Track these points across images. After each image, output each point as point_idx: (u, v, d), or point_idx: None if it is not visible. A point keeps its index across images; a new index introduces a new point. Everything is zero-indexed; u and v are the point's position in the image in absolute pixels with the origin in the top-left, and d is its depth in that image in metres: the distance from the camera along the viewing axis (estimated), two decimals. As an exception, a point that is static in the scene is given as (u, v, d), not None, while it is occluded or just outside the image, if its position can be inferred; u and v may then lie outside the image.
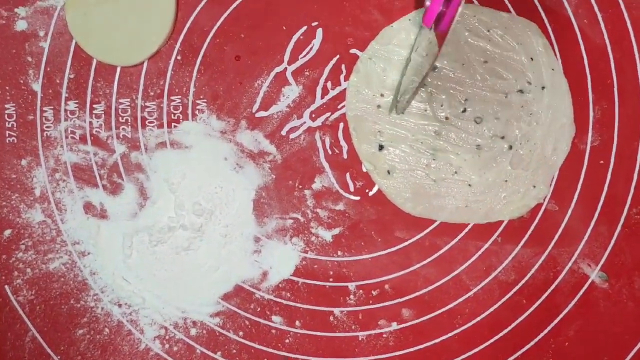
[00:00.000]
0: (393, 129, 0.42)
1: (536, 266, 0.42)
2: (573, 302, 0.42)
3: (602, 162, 0.42)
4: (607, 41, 0.42)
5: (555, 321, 0.42)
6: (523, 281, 0.42)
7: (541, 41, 0.41)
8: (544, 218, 0.42)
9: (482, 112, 0.41)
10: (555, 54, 0.42)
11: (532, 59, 0.41)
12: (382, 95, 0.42)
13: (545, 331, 0.42)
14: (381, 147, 0.42)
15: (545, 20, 0.42)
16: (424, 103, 0.41)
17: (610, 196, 0.42)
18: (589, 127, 0.42)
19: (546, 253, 0.42)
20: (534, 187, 0.42)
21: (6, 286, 0.42)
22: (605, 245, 0.42)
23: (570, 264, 0.42)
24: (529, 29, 0.41)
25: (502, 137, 0.41)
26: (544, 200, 0.42)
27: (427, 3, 0.36)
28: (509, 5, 0.42)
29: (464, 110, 0.41)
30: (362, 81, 0.42)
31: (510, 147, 0.41)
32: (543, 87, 0.41)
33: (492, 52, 0.41)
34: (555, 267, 0.42)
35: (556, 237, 0.42)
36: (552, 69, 0.41)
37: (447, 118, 0.41)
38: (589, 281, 0.42)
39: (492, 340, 0.42)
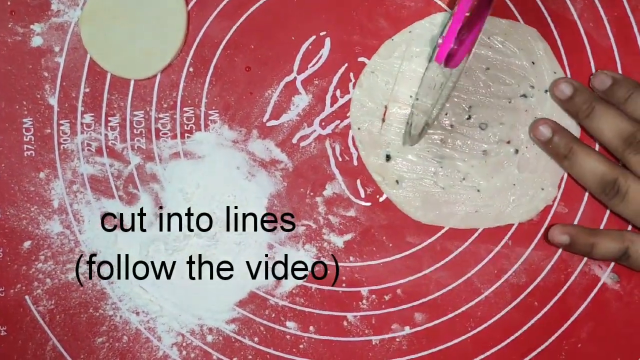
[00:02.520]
0: (399, 139, 0.42)
1: (547, 268, 0.42)
2: (585, 304, 0.42)
3: (611, 163, 0.42)
4: (613, 44, 0.42)
5: (568, 323, 0.42)
6: (534, 283, 0.42)
7: (542, 45, 0.42)
8: (553, 220, 0.43)
9: (486, 118, 0.42)
10: (562, 58, 0.42)
11: (533, 63, 0.42)
12: (386, 107, 0.42)
13: (558, 333, 0.42)
14: (388, 158, 0.42)
15: (551, 25, 0.43)
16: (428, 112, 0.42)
17: (619, 198, 0.42)
18: (597, 129, 0.42)
19: (557, 255, 0.42)
20: (543, 189, 0.42)
21: (26, 296, 0.43)
22: (616, 246, 0.42)
23: (581, 266, 0.42)
24: (529, 34, 0.42)
25: (508, 142, 0.42)
26: (554, 202, 0.43)
27: (440, 41, 0.37)
28: (515, 12, 0.43)
29: (469, 117, 0.42)
30: (365, 95, 0.43)
31: (517, 151, 0.42)
32: (546, 91, 0.42)
33: (493, 59, 0.42)
34: (567, 269, 0.42)
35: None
36: (554, 72, 0.42)
37: (452, 126, 0.42)
38: (601, 283, 0.42)
39: (504, 343, 0.42)
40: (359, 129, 0.43)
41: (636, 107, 0.40)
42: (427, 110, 0.40)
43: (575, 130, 0.42)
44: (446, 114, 0.42)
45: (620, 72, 0.42)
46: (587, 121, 0.41)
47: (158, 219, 0.43)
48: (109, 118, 0.44)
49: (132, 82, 0.44)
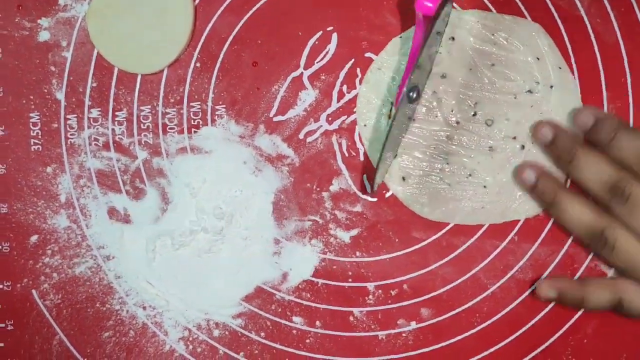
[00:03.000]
0: (405, 136, 0.42)
1: (553, 264, 0.42)
2: (591, 299, 0.42)
3: (617, 159, 0.42)
4: (620, 40, 0.42)
5: (574, 319, 0.42)
6: (541, 279, 0.42)
7: (546, 41, 0.42)
8: (560, 216, 0.43)
9: (492, 115, 0.42)
10: (569, 54, 0.42)
11: (538, 58, 0.42)
12: (392, 103, 0.42)
13: (564, 329, 0.42)
14: (395, 155, 0.42)
15: (558, 21, 0.43)
16: (435, 109, 0.42)
17: (626, 193, 0.42)
18: (604, 125, 0.42)
19: (563, 251, 0.42)
20: (550, 185, 0.42)
21: (33, 291, 0.44)
22: (622, 242, 0.42)
23: (587, 262, 0.42)
24: (533, 30, 0.42)
25: (514, 138, 0.42)
26: (560, 198, 0.42)
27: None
28: (522, 7, 0.43)
29: (475, 114, 0.42)
30: (372, 91, 0.43)
31: (523, 147, 0.42)
32: (551, 86, 0.42)
33: (498, 55, 0.42)
34: (573, 264, 0.42)
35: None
36: (559, 68, 0.42)
37: (458, 122, 0.42)
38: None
39: (510, 338, 0.42)
40: (365, 125, 0.43)
41: (621, 149, 0.38)
42: (390, 159, 0.41)
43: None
44: (452, 111, 0.42)
45: (627, 69, 0.42)
46: (570, 168, 0.40)
47: (165, 213, 0.43)
48: (116, 113, 0.44)
49: (139, 77, 0.44)
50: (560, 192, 0.40)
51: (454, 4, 0.43)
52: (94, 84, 0.44)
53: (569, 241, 0.42)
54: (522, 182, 0.41)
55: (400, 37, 0.43)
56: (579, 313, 0.42)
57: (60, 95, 0.44)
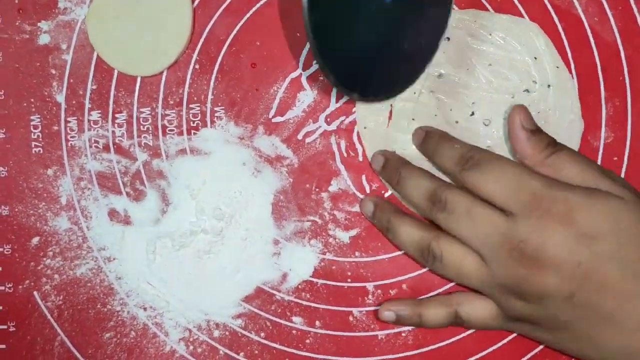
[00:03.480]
0: (405, 136, 0.42)
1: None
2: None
3: (615, 158, 0.42)
4: (618, 38, 0.42)
5: (573, 317, 0.42)
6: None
7: (543, 40, 0.42)
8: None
9: (490, 114, 0.42)
10: (567, 53, 0.42)
11: (535, 58, 0.42)
12: (391, 105, 0.43)
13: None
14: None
15: (556, 20, 0.43)
16: (433, 109, 0.42)
17: (625, 192, 0.42)
18: (602, 124, 0.42)
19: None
20: (548, 184, 0.42)
21: (35, 292, 0.44)
22: (621, 241, 0.42)
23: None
24: (530, 29, 0.42)
25: (513, 137, 0.42)
26: (559, 197, 0.43)
27: None
28: (519, 6, 0.43)
29: (473, 114, 0.42)
30: None
31: (521, 146, 0.42)
32: (549, 85, 0.42)
33: (495, 55, 0.42)
34: (572, 263, 0.42)
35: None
36: (557, 67, 0.42)
37: (456, 122, 0.42)
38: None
39: (510, 337, 0.42)
40: (365, 127, 0.43)
41: (441, 159, 0.40)
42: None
43: (578, 123, 0.42)
44: (450, 110, 0.42)
45: (625, 67, 0.42)
46: (398, 189, 0.41)
47: (165, 215, 0.44)
48: (116, 115, 0.44)
49: (138, 79, 0.44)
50: (392, 216, 0.41)
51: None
52: (94, 87, 0.44)
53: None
54: (364, 213, 0.43)
55: (398, 38, 0.43)
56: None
57: (61, 98, 0.44)
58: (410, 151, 0.42)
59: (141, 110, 0.44)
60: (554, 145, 0.38)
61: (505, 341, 0.42)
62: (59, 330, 0.44)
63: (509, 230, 0.36)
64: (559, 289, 0.35)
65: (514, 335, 0.42)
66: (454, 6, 0.43)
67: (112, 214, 0.44)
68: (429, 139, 0.41)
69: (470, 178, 0.38)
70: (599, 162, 0.42)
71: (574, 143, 0.42)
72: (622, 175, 0.42)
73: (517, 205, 0.36)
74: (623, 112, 0.42)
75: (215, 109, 0.44)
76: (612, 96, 0.42)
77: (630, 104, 0.42)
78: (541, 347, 0.42)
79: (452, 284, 0.42)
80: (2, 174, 0.44)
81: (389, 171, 0.42)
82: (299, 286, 0.43)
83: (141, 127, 0.44)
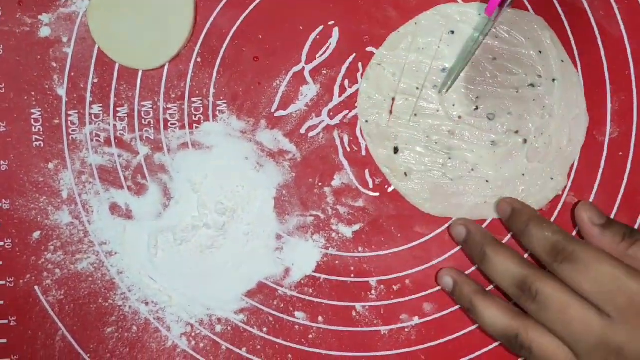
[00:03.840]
0: (407, 131, 0.42)
1: (556, 258, 0.42)
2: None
3: (621, 153, 0.42)
4: (624, 33, 0.42)
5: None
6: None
7: (548, 34, 0.42)
8: (563, 210, 0.42)
9: (494, 109, 0.42)
10: (572, 48, 0.42)
11: (540, 52, 0.41)
12: (393, 99, 0.42)
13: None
14: (396, 150, 0.42)
15: (562, 14, 0.42)
16: (436, 104, 0.42)
17: (630, 187, 0.42)
18: (608, 119, 0.42)
19: (566, 245, 0.42)
20: (552, 179, 0.42)
21: (36, 287, 0.44)
22: (626, 236, 0.42)
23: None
24: (536, 22, 0.42)
25: (517, 132, 0.42)
26: (563, 192, 0.42)
27: None
28: (525, 1, 0.42)
29: (477, 108, 0.42)
30: (372, 87, 0.42)
31: (525, 141, 0.42)
32: (554, 80, 0.41)
33: (500, 49, 0.42)
34: (576, 259, 0.42)
35: (576, 229, 0.42)
36: (562, 61, 0.41)
37: (460, 117, 0.42)
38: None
39: (513, 333, 0.42)
40: (366, 121, 0.43)
41: (531, 241, 0.38)
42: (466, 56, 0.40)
43: (584, 118, 0.42)
44: (454, 105, 0.42)
45: (631, 61, 0.42)
46: (483, 268, 0.40)
47: (167, 209, 0.43)
48: (118, 109, 0.44)
49: (140, 73, 0.44)
50: (475, 297, 0.40)
51: (456, -2, 0.42)
52: (95, 80, 0.44)
53: (574, 232, 0.42)
54: (442, 287, 0.42)
55: (399, 32, 0.42)
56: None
57: (62, 91, 0.44)
58: (412, 146, 0.42)
59: (143, 103, 0.44)
60: (630, 236, 0.37)
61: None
62: (60, 325, 0.44)
63: (606, 333, 0.35)
64: None
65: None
66: (459, 0, 0.42)
67: (114, 208, 0.44)
68: (517, 218, 0.40)
69: (564, 273, 0.36)
70: (603, 158, 0.42)
71: (580, 137, 0.42)
72: (627, 172, 0.42)
73: (614, 308, 0.35)
74: (629, 106, 0.42)
75: (218, 102, 0.43)
76: (617, 90, 0.42)
77: (636, 99, 0.42)
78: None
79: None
80: (3, 167, 0.44)
81: (472, 247, 0.40)
82: (302, 281, 0.43)
83: (143, 120, 0.44)
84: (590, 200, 0.42)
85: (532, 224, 0.39)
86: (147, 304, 0.43)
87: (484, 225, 0.42)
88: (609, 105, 0.42)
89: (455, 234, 0.42)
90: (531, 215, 0.39)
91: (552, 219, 0.42)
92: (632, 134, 0.42)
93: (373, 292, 0.43)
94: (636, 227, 0.42)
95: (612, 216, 0.42)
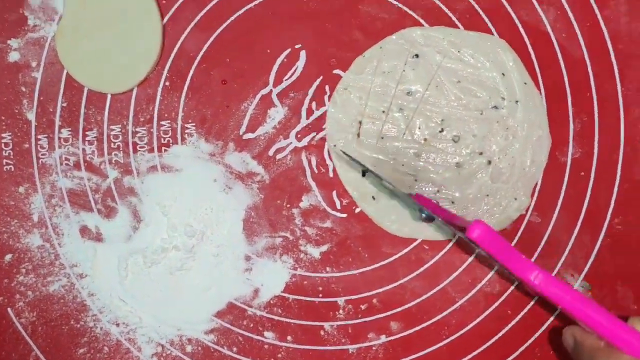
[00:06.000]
0: (374, 154, 0.43)
1: (520, 277, 0.43)
2: (557, 312, 0.43)
3: (582, 173, 0.43)
4: (585, 54, 0.43)
5: (540, 330, 0.43)
6: (508, 292, 0.43)
7: (511, 56, 0.42)
8: (527, 230, 0.43)
9: (459, 131, 0.42)
10: (535, 69, 0.43)
11: (503, 74, 0.42)
12: (360, 122, 0.43)
13: (531, 340, 0.43)
14: (364, 174, 0.42)
15: (524, 36, 0.43)
16: (403, 128, 0.42)
17: (592, 207, 0.43)
18: (570, 139, 0.43)
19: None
20: (516, 199, 0.43)
21: (9, 309, 0.44)
22: (588, 255, 0.43)
23: (553, 274, 0.43)
24: (498, 45, 0.42)
25: (481, 153, 0.42)
26: (527, 212, 0.43)
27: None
28: (488, 22, 0.43)
29: (442, 130, 0.42)
30: (339, 112, 0.43)
31: (489, 162, 0.42)
32: (517, 101, 0.42)
33: (464, 72, 0.42)
34: (539, 277, 0.43)
35: (539, 248, 0.43)
36: (525, 83, 0.42)
37: (425, 139, 0.42)
38: (573, 291, 0.43)
39: (479, 350, 0.43)
40: (334, 145, 0.43)
41: None
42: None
43: (546, 139, 0.42)
44: (419, 128, 0.42)
45: (592, 83, 0.43)
46: None
47: (136, 232, 0.44)
48: (87, 132, 0.44)
49: (108, 97, 0.44)
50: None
51: (422, 21, 0.43)
52: (64, 104, 0.44)
53: (537, 253, 0.43)
54: (565, 345, 0.40)
55: (364, 56, 0.43)
56: (546, 324, 0.43)
57: (31, 116, 0.44)
58: (380, 169, 0.43)
59: (111, 127, 0.44)
60: None
61: (474, 354, 0.43)
62: (33, 346, 0.44)
63: None
64: None
65: (483, 348, 0.43)
66: (424, 23, 0.43)
67: (84, 231, 0.44)
68: (580, 349, 0.38)
69: None
70: (566, 178, 0.43)
71: (542, 158, 0.43)
72: (589, 191, 0.43)
73: None
74: (590, 128, 0.43)
75: (186, 125, 0.44)
76: (579, 112, 0.43)
77: (597, 120, 0.43)
78: (509, 359, 0.43)
79: (424, 297, 0.43)
80: (-27, 192, 0.44)
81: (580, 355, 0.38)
82: (271, 301, 0.44)
83: (112, 144, 0.44)
84: (553, 219, 0.43)
85: (598, 355, 0.37)
86: (118, 325, 0.44)
87: (449, 245, 0.43)
88: (571, 126, 0.43)
89: (565, 344, 0.40)
90: (592, 346, 0.37)
91: (516, 239, 0.43)
92: (594, 154, 0.43)
93: (341, 311, 0.43)
94: (597, 245, 0.43)
95: (575, 234, 0.43)
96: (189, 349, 0.44)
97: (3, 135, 0.44)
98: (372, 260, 0.43)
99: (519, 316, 0.43)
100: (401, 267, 0.43)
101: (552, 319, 0.43)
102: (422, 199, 0.41)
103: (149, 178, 0.44)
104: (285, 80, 0.44)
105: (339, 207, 0.44)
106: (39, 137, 0.44)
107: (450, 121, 0.42)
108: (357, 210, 0.44)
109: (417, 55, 0.42)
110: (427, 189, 0.43)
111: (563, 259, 0.43)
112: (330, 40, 0.43)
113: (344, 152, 0.41)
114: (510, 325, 0.43)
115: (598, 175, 0.43)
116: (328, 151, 0.44)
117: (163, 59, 0.44)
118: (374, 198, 0.43)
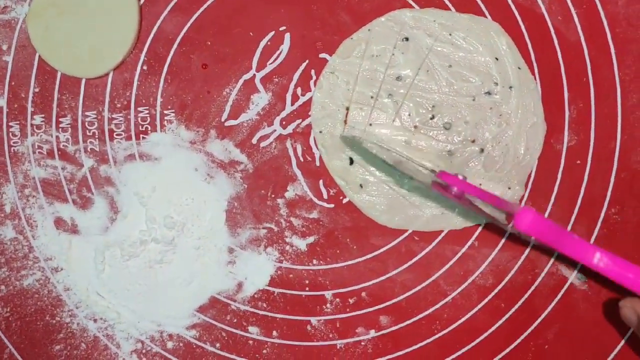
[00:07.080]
0: (368, 143, 0.41)
1: (514, 269, 0.42)
2: (552, 305, 0.41)
3: (579, 162, 0.41)
4: (581, 38, 0.41)
5: (535, 324, 0.42)
6: (501, 285, 0.42)
7: (505, 40, 0.40)
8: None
9: (450, 118, 0.41)
10: (529, 53, 0.41)
11: (497, 59, 0.40)
12: (347, 108, 0.41)
13: (525, 334, 0.42)
14: (352, 161, 0.41)
15: (518, 19, 0.41)
16: (392, 114, 0.41)
17: (587, 196, 0.41)
18: (565, 126, 0.41)
19: (524, 256, 0.42)
20: (509, 188, 0.41)
21: (-20, 304, 0.42)
22: (584, 246, 0.41)
23: (548, 267, 0.41)
24: (492, 28, 0.40)
25: (473, 141, 0.41)
26: (521, 201, 0.42)
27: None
28: (481, 5, 0.41)
29: (432, 117, 0.41)
30: (326, 96, 0.41)
31: (482, 150, 0.41)
32: (510, 87, 0.40)
33: (455, 56, 0.40)
34: (534, 269, 0.42)
35: (534, 239, 0.41)
36: (519, 68, 0.40)
37: (415, 127, 0.41)
38: (568, 283, 0.42)
39: (471, 345, 0.42)
40: (320, 132, 0.41)
41: None
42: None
43: (541, 126, 0.41)
44: (409, 115, 0.41)
45: (589, 68, 0.41)
46: None
47: (114, 223, 0.42)
48: (60, 119, 0.42)
49: (83, 81, 0.42)
50: None
51: (412, 3, 0.41)
52: (37, 89, 0.42)
53: (530, 246, 0.41)
54: (625, 321, 0.38)
55: (352, 39, 0.41)
56: (540, 318, 0.41)
57: (2, 102, 0.42)
58: (367, 159, 0.41)
59: (86, 114, 0.42)
60: None
61: (466, 349, 0.42)
62: (7, 343, 0.42)
63: None
64: None
65: (475, 342, 0.41)
66: (414, 5, 0.41)
67: (59, 222, 0.42)
68: None
69: None
70: (561, 166, 0.41)
71: (537, 146, 0.41)
72: (585, 180, 0.41)
73: None
74: (587, 114, 0.41)
75: (165, 112, 0.42)
76: (575, 98, 0.41)
77: (594, 106, 0.41)
78: (502, 354, 0.41)
79: (415, 290, 0.41)
80: (-59, 182, 0.42)
81: None
82: (255, 295, 0.42)
83: (87, 131, 0.42)
84: (548, 209, 0.41)
85: None
86: (95, 320, 0.42)
87: (440, 237, 0.42)
88: (567, 113, 0.41)
89: (625, 319, 0.38)
90: None
91: (509, 230, 0.41)
92: (590, 141, 0.41)
93: (328, 305, 0.42)
94: (594, 236, 0.41)
95: (570, 224, 0.41)
96: (170, 345, 0.42)
97: (-28, 122, 0.42)
98: (361, 252, 0.42)
99: (513, 309, 0.42)
100: (391, 259, 0.42)
101: (546, 312, 0.41)
102: (448, 176, 0.37)
103: (126, 167, 0.42)
104: (269, 64, 0.42)
105: (325, 197, 0.42)
106: (11, 124, 0.42)
107: (441, 107, 0.41)
108: (345, 200, 0.42)
109: (407, 39, 0.41)
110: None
111: (558, 250, 0.41)
112: (316, 23, 0.41)
113: (355, 137, 0.38)
114: (503, 319, 0.42)
115: (594, 163, 0.41)
116: (314, 139, 0.42)
117: (140, 41, 0.42)
118: (361, 186, 0.41)
